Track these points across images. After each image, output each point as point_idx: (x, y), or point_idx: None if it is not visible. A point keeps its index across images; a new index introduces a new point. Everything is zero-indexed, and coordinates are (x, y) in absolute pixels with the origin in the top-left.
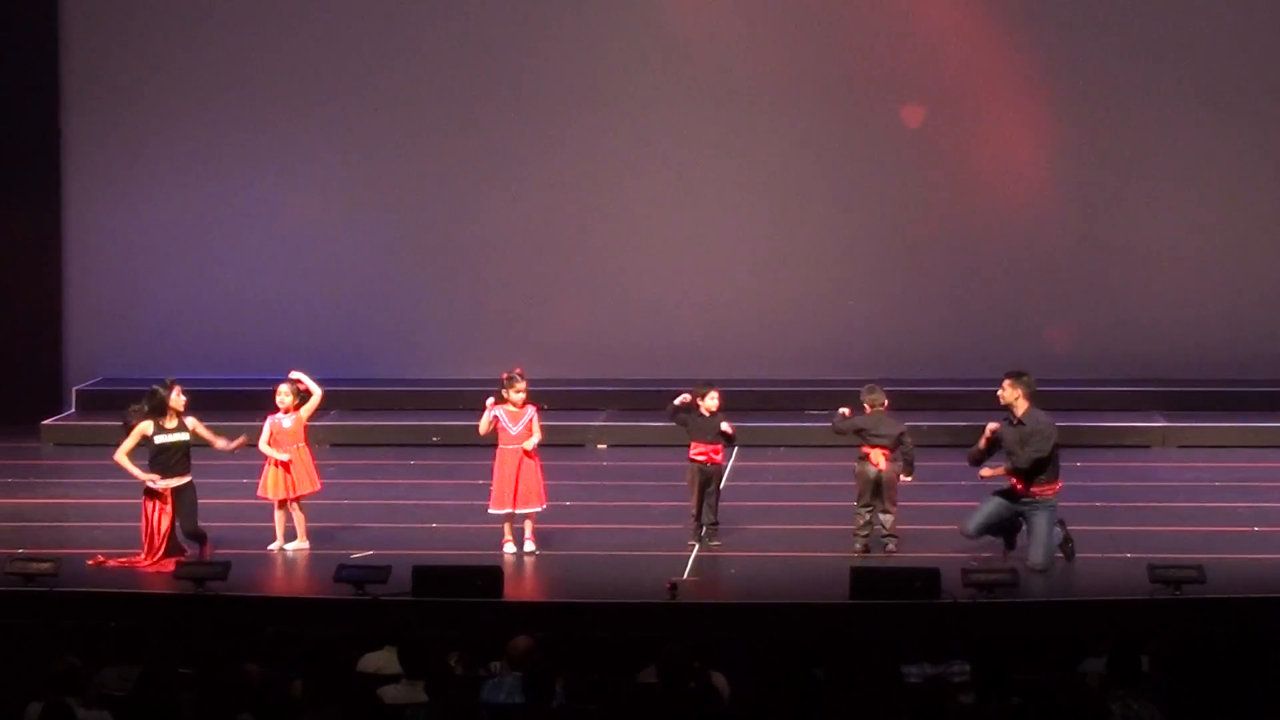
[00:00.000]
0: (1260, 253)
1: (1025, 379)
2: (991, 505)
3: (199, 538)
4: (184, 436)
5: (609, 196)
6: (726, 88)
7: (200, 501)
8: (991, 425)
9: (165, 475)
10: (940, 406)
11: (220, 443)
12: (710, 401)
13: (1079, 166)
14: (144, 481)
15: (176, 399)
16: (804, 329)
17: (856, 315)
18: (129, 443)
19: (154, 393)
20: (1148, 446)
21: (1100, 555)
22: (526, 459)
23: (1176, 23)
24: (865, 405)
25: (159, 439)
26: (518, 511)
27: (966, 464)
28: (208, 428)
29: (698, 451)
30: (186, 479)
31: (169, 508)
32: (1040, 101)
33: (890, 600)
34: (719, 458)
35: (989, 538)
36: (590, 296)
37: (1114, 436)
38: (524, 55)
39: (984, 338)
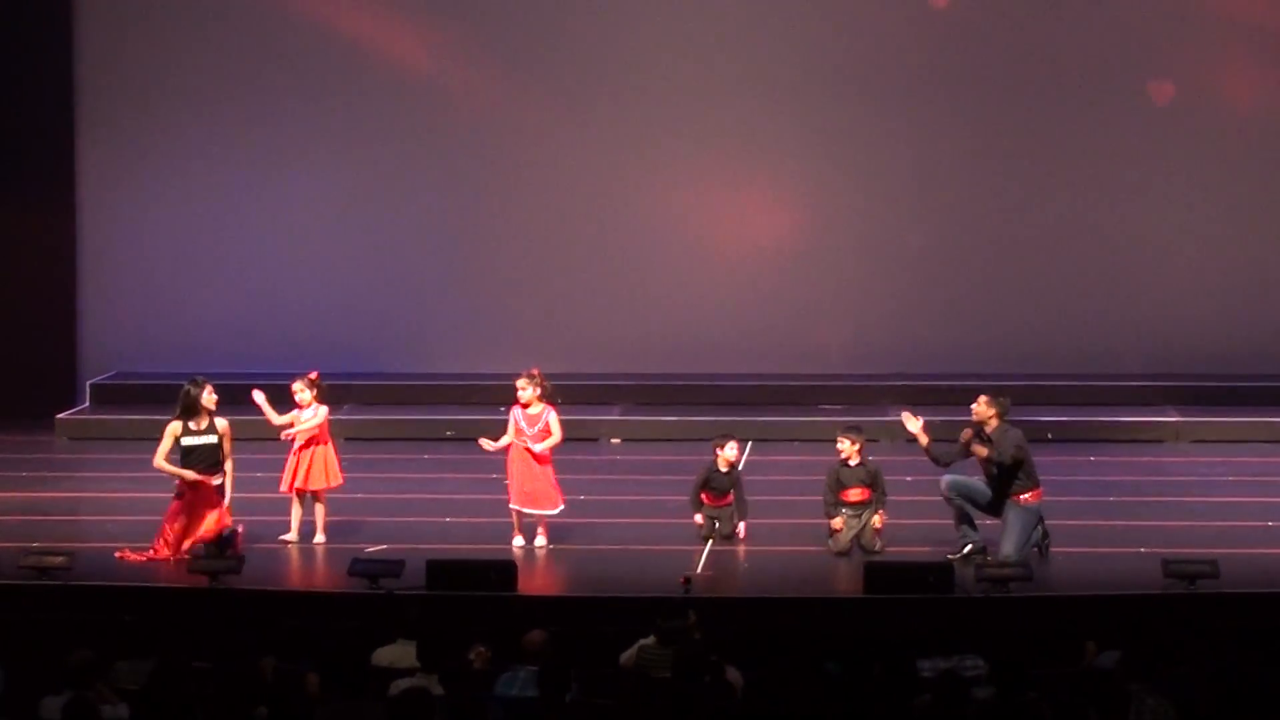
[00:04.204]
0: (1276, 246)
1: (1002, 400)
2: (976, 480)
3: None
4: (213, 439)
5: (624, 189)
6: (742, 80)
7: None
8: (966, 431)
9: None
10: (954, 401)
11: (229, 465)
12: (729, 452)
13: (1092, 160)
14: (186, 479)
15: (208, 398)
16: (819, 323)
17: (872, 310)
18: (163, 446)
19: (185, 393)
20: (1161, 441)
21: (1114, 550)
22: (535, 460)
23: (1193, 13)
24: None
25: (185, 440)
26: (524, 511)
27: (932, 460)
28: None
29: (707, 499)
30: (217, 481)
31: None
32: (1052, 96)
33: (904, 595)
34: (724, 503)
35: (958, 504)
36: (604, 290)
37: (1127, 431)
38: (539, 47)
39: (998, 332)
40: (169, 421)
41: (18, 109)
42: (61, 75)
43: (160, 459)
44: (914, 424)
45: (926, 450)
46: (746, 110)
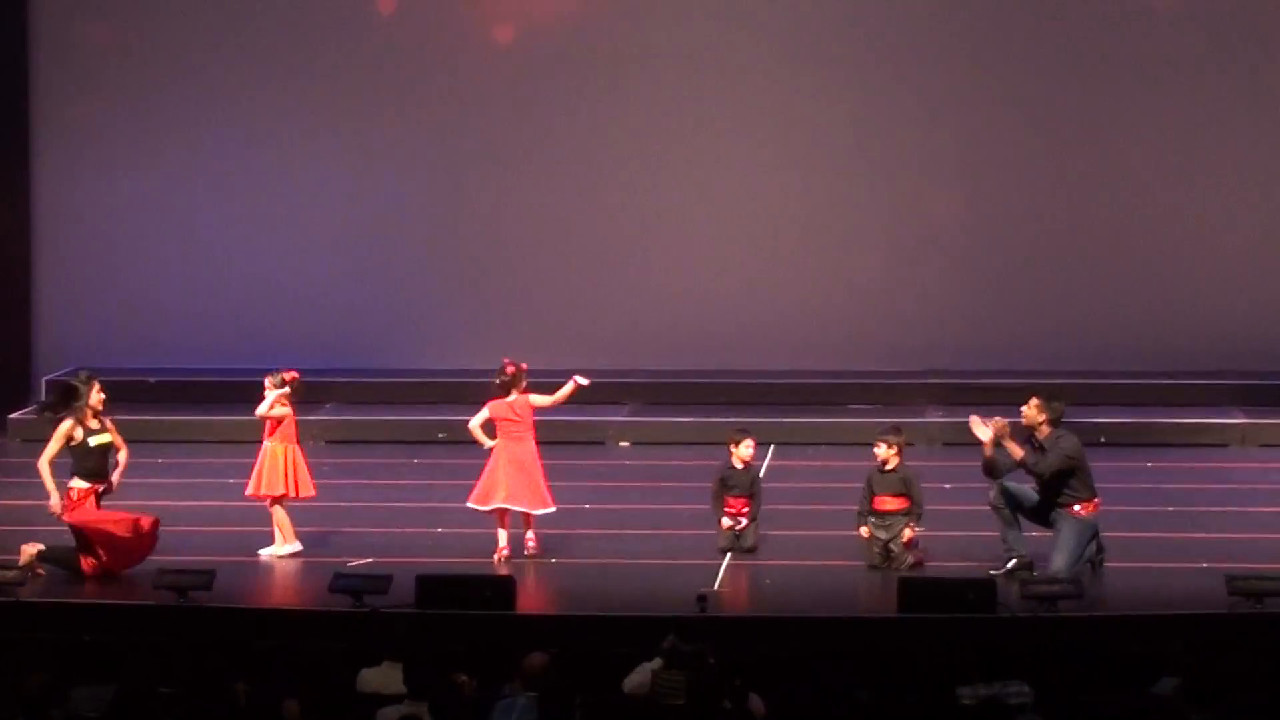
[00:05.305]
0: None
1: (1055, 404)
2: (1028, 487)
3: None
4: (108, 438)
5: (633, 173)
6: (759, 56)
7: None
8: (999, 421)
9: (91, 479)
10: (991, 400)
11: (124, 454)
12: (744, 450)
13: (1151, 140)
14: (51, 502)
15: (97, 396)
16: (845, 317)
17: (902, 302)
18: (53, 448)
19: (71, 389)
20: (1226, 445)
21: (1174, 565)
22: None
23: None
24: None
25: (92, 440)
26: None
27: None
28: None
29: (726, 506)
30: (101, 488)
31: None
32: (1104, 75)
33: (942, 614)
34: (746, 512)
35: (1006, 514)
36: (612, 280)
37: (1189, 434)
38: (538, 24)
39: (1046, 325)
40: (59, 421)
41: None
42: (14, 46)
43: (46, 461)
44: (984, 432)
45: (984, 459)
46: (767, 89)
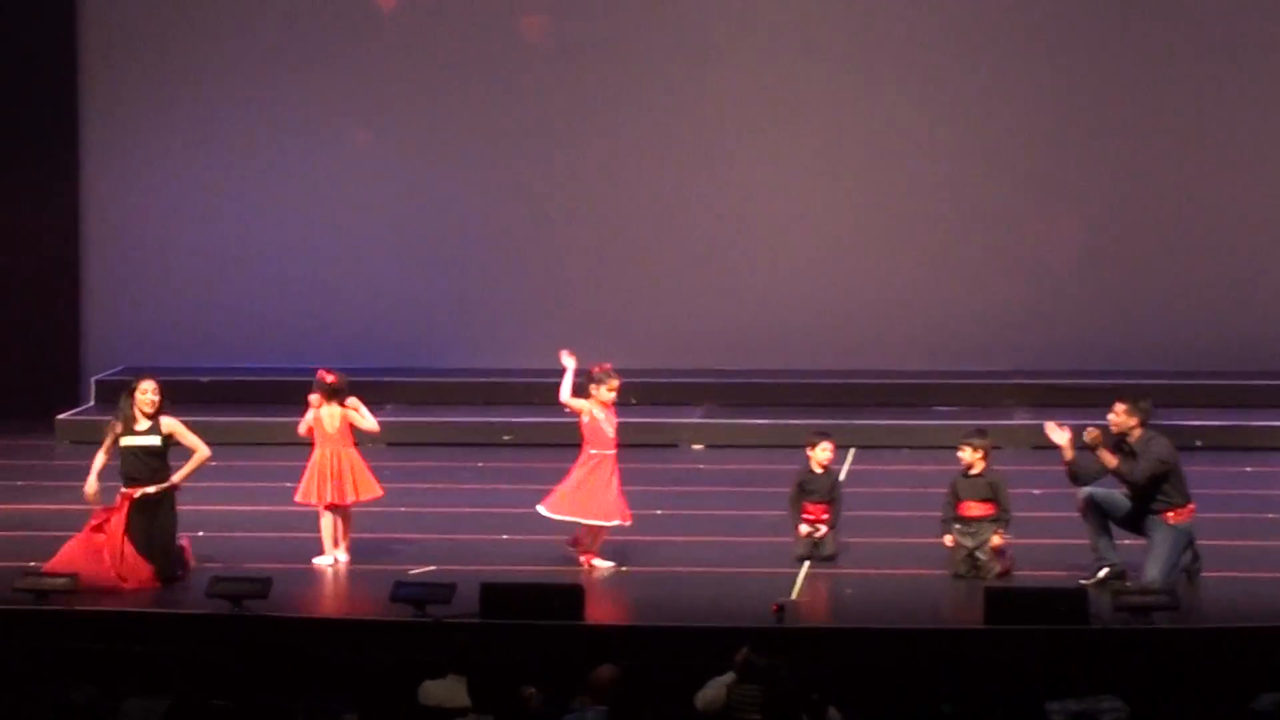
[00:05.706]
0: None
1: (1143, 405)
2: (1119, 493)
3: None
4: (154, 441)
5: (705, 163)
6: (834, 43)
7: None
8: (1092, 430)
9: (127, 482)
10: (1081, 402)
11: (204, 451)
12: (823, 454)
13: (1253, 128)
14: (88, 489)
15: (144, 399)
16: (928, 315)
17: (986, 300)
18: (105, 442)
19: (126, 387)
20: None
21: (1275, 574)
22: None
23: None
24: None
25: (125, 441)
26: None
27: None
28: (193, 431)
29: (804, 512)
30: (152, 489)
31: (124, 520)
32: (1188, 74)
33: (1030, 625)
34: (826, 519)
35: (1096, 520)
36: (684, 275)
37: None
38: (605, 11)
39: (1139, 322)
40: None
41: (16, 85)
42: (63, 47)
43: (98, 455)
44: (1060, 436)
45: (1067, 465)
46: (841, 75)
